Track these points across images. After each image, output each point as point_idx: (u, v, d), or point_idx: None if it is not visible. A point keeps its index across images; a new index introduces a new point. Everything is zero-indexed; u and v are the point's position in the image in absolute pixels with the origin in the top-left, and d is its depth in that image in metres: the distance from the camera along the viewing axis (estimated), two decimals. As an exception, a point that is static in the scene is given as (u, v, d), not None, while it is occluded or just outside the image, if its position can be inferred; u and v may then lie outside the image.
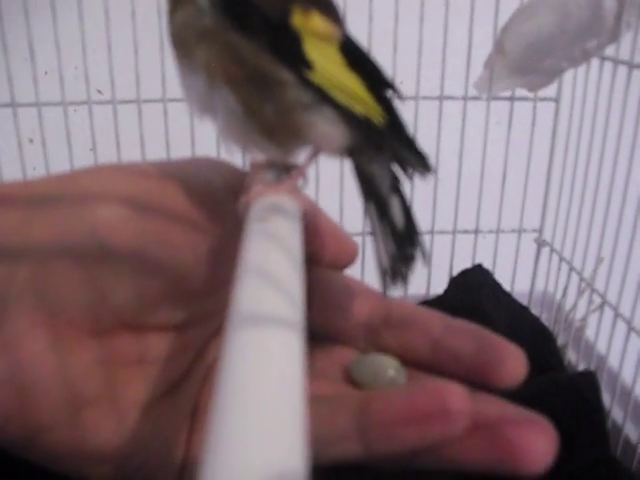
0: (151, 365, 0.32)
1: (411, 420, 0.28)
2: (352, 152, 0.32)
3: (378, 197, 0.32)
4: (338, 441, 0.30)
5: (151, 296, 0.30)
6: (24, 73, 0.61)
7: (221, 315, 0.35)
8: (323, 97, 0.30)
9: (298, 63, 0.30)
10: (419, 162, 0.32)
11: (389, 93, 0.32)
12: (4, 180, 0.65)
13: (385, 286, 0.31)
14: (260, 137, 0.32)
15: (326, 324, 0.38)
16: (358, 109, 0.30)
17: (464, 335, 0.35)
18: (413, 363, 0.36)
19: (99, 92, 0.73)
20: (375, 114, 0.30)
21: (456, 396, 0.28)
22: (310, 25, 0.30)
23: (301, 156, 0.34)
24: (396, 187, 0.32)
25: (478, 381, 0.33)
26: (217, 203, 0.34)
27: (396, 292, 0.36)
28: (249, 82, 0.30)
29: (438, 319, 0.36)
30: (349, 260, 0.40)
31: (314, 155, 0.34)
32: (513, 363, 0.33)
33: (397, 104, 0.32)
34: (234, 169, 0.37)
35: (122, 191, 0.31)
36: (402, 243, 0.31)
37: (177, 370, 0.33)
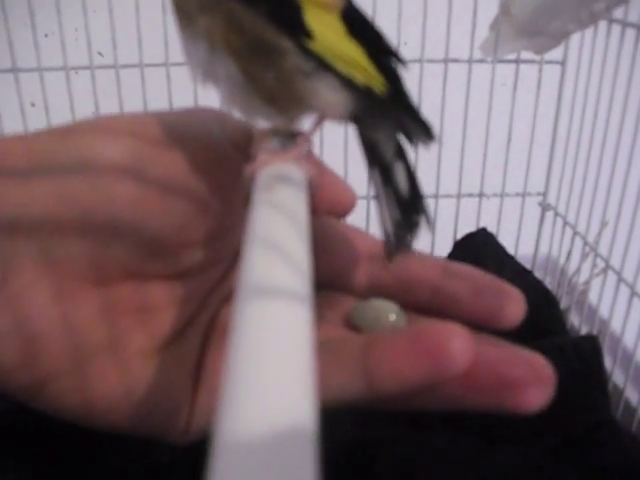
0: (154, 314, 0.32)
1: (414, 360, 0.29)
2: (356, 118, 0.32)
3: (382, 163, 0.32)
4: (343, 383, 0.30)
5: (150, 249, 0.31)
6: (24, 37, 0.60)
7: (223, 264, 0.36)
8: (324, 65, 0.30)
9: (298, 32, 0.29)
10: (422, 131, 0.32)
11: (392, 61, 0.32)
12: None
13: (389, 252, 0.32)
14: (262, 104, 0.32)
15: (326, 271, 0.38)
16: (359, 78, 0.30)
17: (463, 278, 0.36)
18: (413, 307, 0.37)
19: (100, 54, 0.72)
20: (376, 83, 0.30)
21: (459, 336, 0.28)
22: None
23: (306, 123, 0.34)
24: (401, 153, 0.32)
25: (478, 323, 0.34)
26: (218, 156, 0.34)
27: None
28: (250, 50, 0.30)
29: (437, 263, 0.37)
30: (347, 208, 0.40)
31: (319, 122, 0.33)
32: (512, 305, 0.34)
33: (401, 72, 0.32)
34: (236, 121, 0.37)
35: (122, 150, 0.31)
36: (406, 209, 0.31)
37: (180, 319, 0.33)
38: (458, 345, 0.28)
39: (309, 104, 0.32)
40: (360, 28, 0.31)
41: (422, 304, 0.37)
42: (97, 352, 0.30)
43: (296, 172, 0.31)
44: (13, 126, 0.63)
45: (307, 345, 0.20)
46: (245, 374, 0.18)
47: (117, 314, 0.31)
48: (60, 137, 0.31)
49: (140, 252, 0.31)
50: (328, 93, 0.31)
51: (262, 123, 0.35)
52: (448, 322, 0.31)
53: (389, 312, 0.36)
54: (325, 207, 0.38)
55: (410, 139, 0.32)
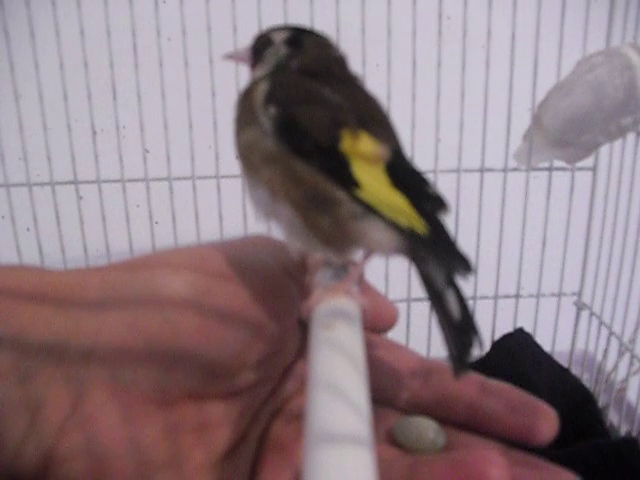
0: (211, 431, 0.34)
1: None
2: (406, 253, 0.35)
3: (435, 292, 0.34)
4: None
5: (209, 373, 0.34)
6: (85, 153, 0.65)
7: (273, 380, 0.38)
8: (371, 210, 0.33)
9: (347, 183, 0.33)
10: (461, 264, 0.34)
11: (435, 205, 0.35)
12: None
13: (454, 369, 0.34)
14: (319, 244, 0.35)
15: (370, 387, 0.40)
16: (402, 221, 0.33)
17: (499, 396, 0.37)
18: (451, 422, 0.38)
19: (146, 151, 0.77)
20: (418, 225, 0.33)
21: (496, 465, 0.30)
22: (357, 148, 0.33)
23: (357, 255, 0.37)
24: (451, 282, 0.34)
25: (512, 439, 0.36)
26: (273, 285, 0.37)
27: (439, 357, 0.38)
28: (307, 199, 0.33)
29: (474, 381, 0.39)
30: (390, 325, 0.43)
31: (368, 256, 0.36)
32: (545, 423, 0.35)
33: (442, 214, 0.34)
34: (287, 248, 0.40)
35: (185, 283, 0.34)
36: (460, 331, 0.33)
37: (235, 435, 0.35)
38: (495, 473, 0.30)
39: (360, 242, 0.34)
40: (404, 178, 0.34)
41: (460, 420, 0.38)
42: (160, 468, 0.32)
43: (350, 306, 0.34)
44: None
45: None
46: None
47: (178, 432, 0.33)
48: (130, 271, 0.34)
49: (200, 375, 0.33)
50: (376, 233, 0.33)
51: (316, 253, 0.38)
52: (485, 444, 0.34)
53: (429, 430, 0.37)
54: (369, 325, 0.40)
55: (451, 271, 0.35)
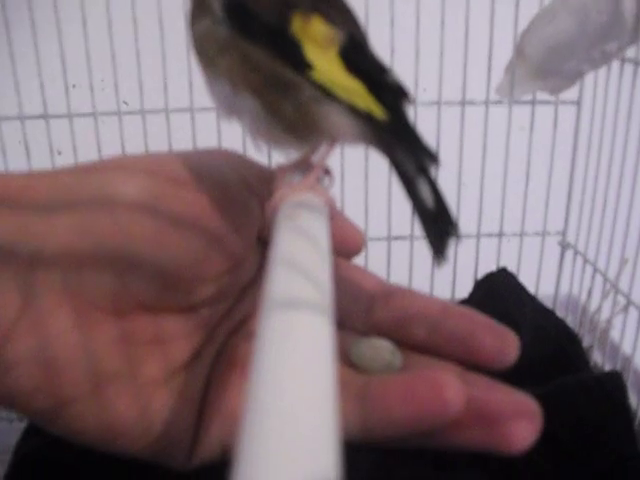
0: (166, 345, 0.34)
1: (408, 406, 0.30)
2: (370, 141, 0.34)
3: (406, 179, 0.33)
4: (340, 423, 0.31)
5: (165, 283, 0.33)
6: (55, 85, 0.63)
7: (231, 298, 0.38)
8: (329, 94, 0.32)
9: (299, 65, 0.32)
10: (425, 154, 0.33)
11: (396, 94, 0.33)
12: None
13: (434, 259, 0.32)
14: (283, 133, 0.34)
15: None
16: (359, 104, 0.32)
17: (459, 319, 0.37)
18: (409, 344, 0.38)
19: (125, 103, 0.75)
20: (376, 109, 0.32)
21: (451, 387, 0.30)
22: (309, 31, 0.32)
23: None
24: (423, 169, 0.33)
25: (471, 362, 0.35)
26: (232, 196, 0.36)
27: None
28: (267, 86, 0.32)
29: (436, 303, 0.38)
30: (355, 249, 0.42)
31: (329, 148, 0.35)
32: (506, 346, 0.35)
33: (403, 103, 0.33)
34: (250, 162, 0.40)
35: (139, 187, 0.33)
36: (435, 220, 0.32)
37: (190, 350, 0.35)
38: (450, 393, 0.30)
39: (323, 127, 0.33)
40: (360, 63, 0.33)
41: (419, 342, 0.38)
42: (113, 378, 0.32)
43: (316, 199, 0.33)
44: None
45: (329, 361, 0.20)
46: (267, 398, 0.18)
47: (133, 344, 0.33)
48: (82, 174, 0.34)
49: (155, 285, 0.33)
50: (337, 117, 0.33)
51: (281, 160, 0.37)
52: (441, 366, 0.34)
53: (385, 351, 0.37)
54: (333, 248, 0.40)
55: (416, 156, 0.33)
